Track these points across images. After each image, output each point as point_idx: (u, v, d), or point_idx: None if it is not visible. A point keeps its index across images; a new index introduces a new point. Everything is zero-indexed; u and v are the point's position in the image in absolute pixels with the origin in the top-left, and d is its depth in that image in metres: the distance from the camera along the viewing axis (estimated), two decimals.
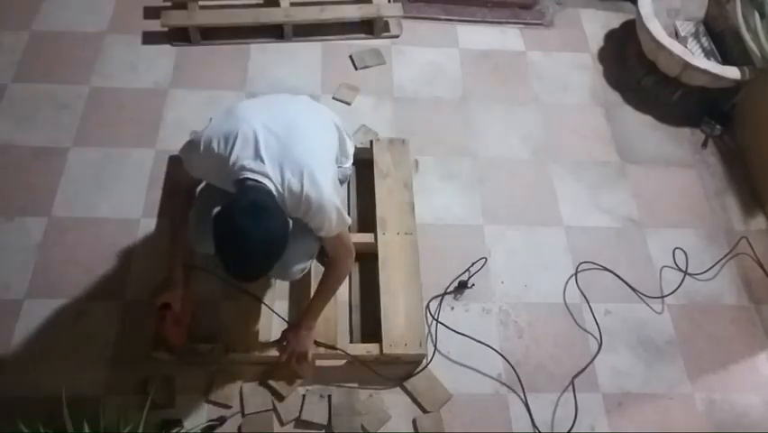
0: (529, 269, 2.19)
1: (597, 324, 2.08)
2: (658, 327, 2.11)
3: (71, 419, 1.47)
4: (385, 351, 1.87)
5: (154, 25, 2.62)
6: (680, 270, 2.23)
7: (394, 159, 2.26)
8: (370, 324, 1.99)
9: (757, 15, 2.39)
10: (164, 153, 2.28)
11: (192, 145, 1.56)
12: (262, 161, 1.45)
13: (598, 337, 2.06)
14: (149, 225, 2.13)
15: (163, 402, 1.80)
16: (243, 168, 1.45)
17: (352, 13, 2.69)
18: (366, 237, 2.09)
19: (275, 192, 1.45)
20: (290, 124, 1.54)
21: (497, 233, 2.25)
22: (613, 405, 1.95)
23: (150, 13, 2.68)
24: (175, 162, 1.71)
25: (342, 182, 1.91)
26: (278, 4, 2.65)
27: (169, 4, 2.62)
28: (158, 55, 2.59)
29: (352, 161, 1.96)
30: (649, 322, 2.12)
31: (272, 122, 1.51)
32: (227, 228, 1.36)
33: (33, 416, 1.53)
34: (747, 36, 2.39)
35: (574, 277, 2.18)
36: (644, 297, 2.16)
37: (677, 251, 2.27)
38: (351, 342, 1.96)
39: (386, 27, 2.77)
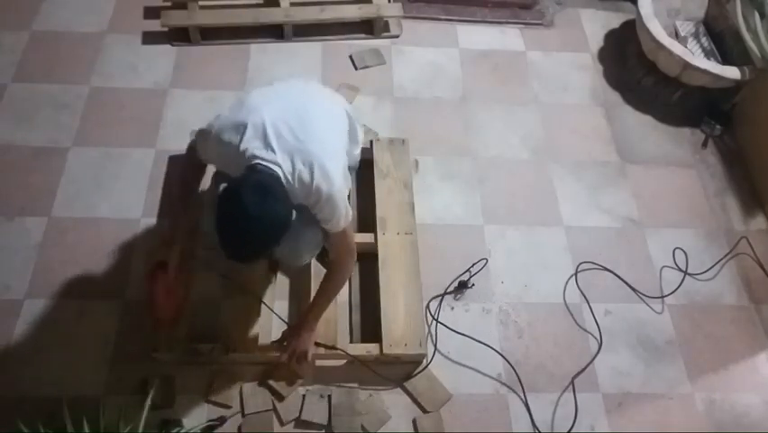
0: (529, 269, 2.19)
1: (597, 324, 2.08)
2: (658, 327, 2.11)
3: (71, 419, 1.47)
4: (385, 351, 1.87)
5: (154, 25, 2.62)
6: (680, 270, 2.23)
7: (394, 159, 2.26)
8: (370, 324, 1.99)
9: (757, 15, 2.39)
10: (164, 153, 2.28)
11: (204, 134, 1.57)
12: (273, 151, 1.45)
13: (598, 337, 2.06)
14: (149, 224, 2.13)
15: (163, 402, 1.79)
16: (254, 156, 1.46)
17: (351, 13, 2.69)
18: (366, 237, 2.08)
19: (284, 180, 1.46)
20: (302, 114, 1.54)
21: (497, 233, 2.25)
22: (613, 405, 1.95)
23: (150, 13, 2.68)
24: (188, 145, 1.70)
25: (352, 169, 1.90)
26: (278, 4, 2.65)
27: (168, 4, 2.61)
28: (158, 55, 2.59)
29: (361, 147, 1.96)
30: (649, 322, 2.12)
31: (284, 111, 1.52)
32: (230, 203, 1.36)
33: (33, 416, 1.54)
34: (747, 36, 2.39)
35: (574, 277, 2.18)
36: (644, 297, 2.16)
37: (677, 251, 2.27)
38: (351, 342, 1.96)
39: (386, 27, 2.77)
